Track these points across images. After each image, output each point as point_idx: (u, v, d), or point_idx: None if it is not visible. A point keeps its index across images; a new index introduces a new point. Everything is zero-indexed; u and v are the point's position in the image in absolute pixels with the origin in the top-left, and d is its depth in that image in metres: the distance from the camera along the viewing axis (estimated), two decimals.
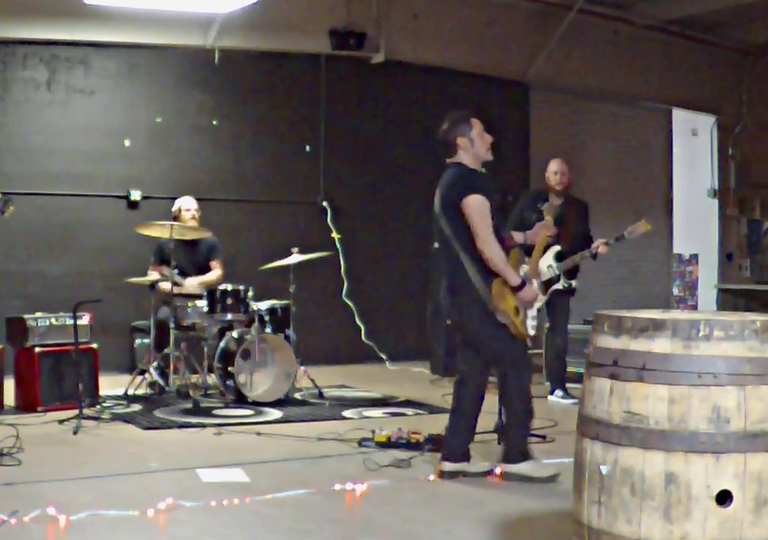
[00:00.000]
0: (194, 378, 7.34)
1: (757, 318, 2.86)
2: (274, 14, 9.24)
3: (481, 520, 4.10)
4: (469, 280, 4.78)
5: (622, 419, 2.86)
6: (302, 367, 7.37)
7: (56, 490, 4.44)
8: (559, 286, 7.17)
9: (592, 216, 7.69)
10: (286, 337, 7.35)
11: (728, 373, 2.75)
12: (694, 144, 12.99)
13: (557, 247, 7.23)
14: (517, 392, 4.88)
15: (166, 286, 7.22)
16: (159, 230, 7.23)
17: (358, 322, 9.93)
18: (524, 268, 4.88)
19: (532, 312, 4.85)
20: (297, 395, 7.41)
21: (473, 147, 4.93)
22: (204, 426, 6.13)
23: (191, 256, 7.69)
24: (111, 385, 7.29)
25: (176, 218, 7.72)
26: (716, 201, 12.96)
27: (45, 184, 8.68)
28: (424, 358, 9.56)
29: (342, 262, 9.81)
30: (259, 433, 5.95)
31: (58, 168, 8.78)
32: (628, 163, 12.31)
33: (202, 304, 7.13)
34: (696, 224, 12.96)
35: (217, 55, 9.31)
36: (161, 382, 7.11)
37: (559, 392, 7.43)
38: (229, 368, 6.97)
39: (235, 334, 7.24)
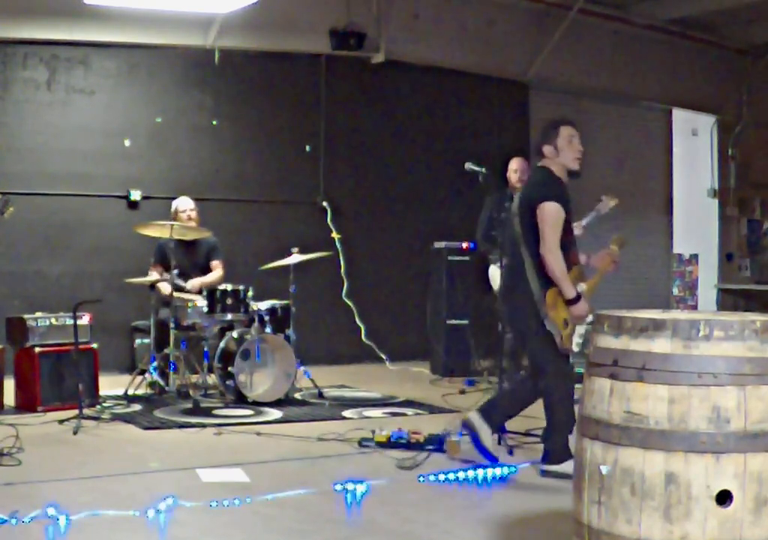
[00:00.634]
0: (194, 378, 7.34)
1: (757, 318, 2.86)
2: (274, 14, 9.25)
3: (481, 520, 4.10)
4: (527, 282, 4.83)
5: (622, 419, 2.86)
6: (302, 368, 7.37)
7: (56, 490, 4.44)
8: None
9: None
10: (286, 337, 7.35)
11: (728, 373, 2.75)
12: (694, 144, 12.99)
13: None
14: (560, 403, 4.87)
15: (166, 288, 7.22)
16: (159, 230, 7.23)
17: (358, 322, 9.92)
18: (581, 286, 4.82)
19: (580, 329, 4.83)
20: (297, 395, 7.41)
21: (558, 156, 4.86)
22: (204, 426, 6.13)
23: (191, 257, 7.69)
24: (111, 385, 7.29)
25: (174, 219, 7.71)
26: (716, 201, 12.95)
27: (45, 184, 8.68)
28: (424, 358, 9.56)
29: (342, 262, 9.81)
30: (259, 433, 5.95)
31: (58, 168, 8.78)
32: (628, 163, 12.30)
33: (202, 304, 7.13)
34: (696, 224, 12.95)
35: (217, 55, 9.31)
36: (161, 382, 7.11)
37: None
38: (229, 368, 6.98)
39: (235, 334, 7.24)
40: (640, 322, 2.87)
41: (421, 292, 9.61)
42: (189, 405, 6.76)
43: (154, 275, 7.49)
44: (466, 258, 8.94)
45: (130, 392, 7.12)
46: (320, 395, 7.42)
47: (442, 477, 4.82)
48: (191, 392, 7.06)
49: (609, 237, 5.33)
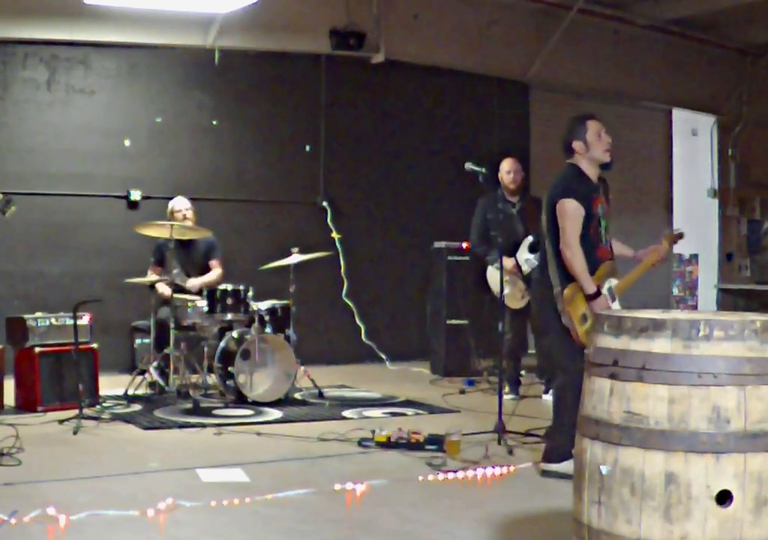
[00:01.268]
0: (194, 378, 7.34)
1: (757, 318, 2.86)
2: (274, 14, 9.25)
3: (481, 520, 4.10)
4: (548, 276, 4.88)
5: (622, 419, 2.86)
6: (302, 367, 7.37)
7: (56, 490, 4.44)
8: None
9: None
10: (286, 337, 7.35)
11: (728, 373, 2.75)
12: (694, 144, 13.00)
13: (530, 238, 7.28)
14: (572, 402, 4.77)
15: (165, 289, 7.22)
16: (159, 230, 7.22)
17: (358, 322, 9.93)
18: (611, 282, 4.80)
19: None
20: (297, 395, 7.41)
21: (589, 151, 4.86)
22: (204, 426, 6.13)
23: (190, 256, 7.69)
24: (111, 385, 7.29)
25: (170, 219, 7.70)
26: (716, 201, 12.96)
27: (45, 184, 8.69)
28: (424, 358, 9.57)
29: (342, 262, 9.82)
30: (259, 433, 5.95)
31: (58, 168, 8.78)
32: (628, 163, 12.29)
33: (202, 304, 7.13)
34: (696, 224, 12.94)
35: (217, 55, 9.32)
36: (161, 382, 7.11)
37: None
38: (229, 368, 6.98)
39: (235, 334, 7.24)
40: (640, 322, 2.87)
41: (421, 292, 9.61)
42: (189, 405, 6.75)
43: (153, 275, 7.49)
44: (466, 258, 8.94)
45: (130, 392, 7.12)
46: (320, 395, 7.42)
47: (442, 477, 4.82)
48: (191, 392, 7.06)
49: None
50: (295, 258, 7.49)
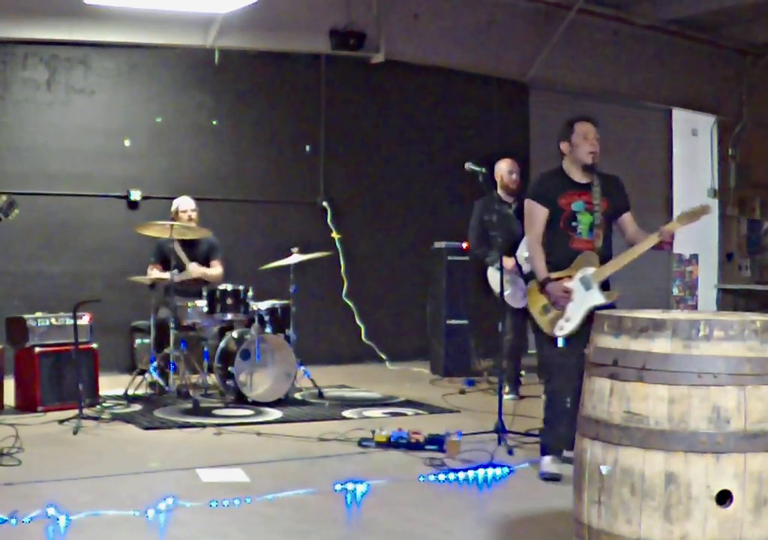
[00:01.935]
0: (194, 378, 7.34)
1: (757, 318, 2.86)
2: (274, 14, 9.25)
3: (481, 520, 4.10)
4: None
5: (622, 419, 2.86)
6: (302, 368, 7.37)
7: (56, 490, 4.44)
8: None
9: None
10: (286, 337, 7.35)
11: (728, 373, 2.75)
12: (694, 144, 12.99)
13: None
14: (549, 397, 4.98)
15: (165, 275, 7.20)
16: (159, 230, 7.22)
17: (358, 322, 9.93)
18: (587, 271, 4.88)
19: (574, 312, 4.85)
20: (297, 395, 7.41)
21: (572, 152, 4.99)
22: (204, 426, 6.13)
23: (191, 256, 7.68)
24: (111, 385, 7.29)
25: (174, 218, 7.71)
26: (716, 201, 12.95)
27: (45, 184, 8.69)
28: (424, 358, 9.56)
29: (342, 262, 9.82)
30: (259, 433, 5.95)
31: (58, 168, 8.78)
32: (628, 163, 12.29)
33: (202, 304, 7.13)
34: (696, 224, 12.91)
35: (217, 55, 9.32)
36: (161, 382, 7.11)
37: None
38: (229, 368, 6.97)
39: (235, 334, 7.24)
40: (640, 322, 2.87)
41: (421, 292, 9.61)
42: (189, 405, 6.75)
43: (153, 273, 7.49)
44: (466, 258, 8.93)
45: (130, 392, 7.12)
46: (320, 395, 7.42)
47: (442, 477, 4.82)
48: (191, 392, 7.06)
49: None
50: (295, 258, 7.48)
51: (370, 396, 7.69)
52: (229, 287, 7.17)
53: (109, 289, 8.58)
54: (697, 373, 2.76)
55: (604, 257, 4.97)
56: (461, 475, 4.84)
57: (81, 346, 6.41)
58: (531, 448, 5.46)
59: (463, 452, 5.30)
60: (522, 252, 7.33)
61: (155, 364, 7.13)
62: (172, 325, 7.01)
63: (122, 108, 9.10)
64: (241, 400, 6.96)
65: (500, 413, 5.62)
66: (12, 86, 8.62)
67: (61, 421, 6.08)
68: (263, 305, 7.36)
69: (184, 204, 7.77)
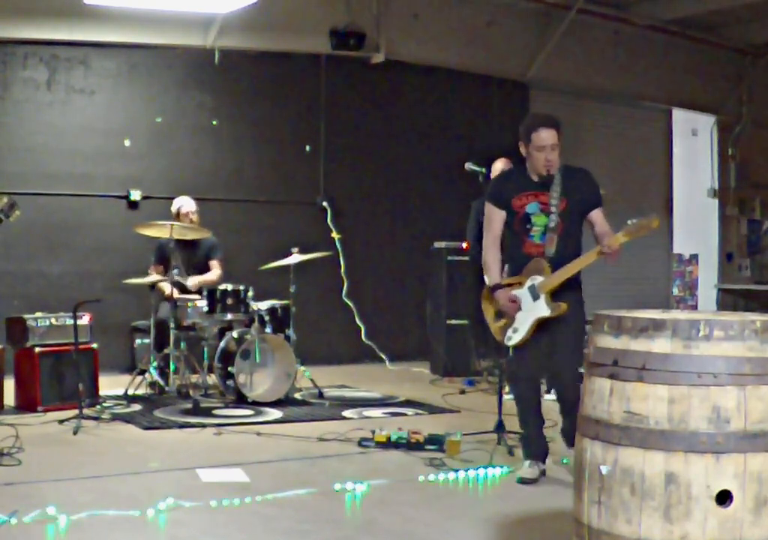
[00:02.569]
0: (194, 378, 7.34)
1: (757, 318, 2.86)
2: (274, 14, 9.25)
3: (481, 520, 4.10)
4: None
5: (622, 419, 2.85)
6: (302, 368, 7.37)
7: (56, 490, 4.44)
8: None
9: None
10: (286, 337, 7.35)
11: (728, 373, 2.75)
12: (694, 144, 13.00)
13: None
14: (515, 403, 5.02)
15: (167, 287, 7.23)
16: (159, 230, 7.22)
17: (358, 322, 9.93)
18: (535, 279, 4.69)
19: (522, 323, 4.72)
20: (297, 395, 7.41)
21: (529, 159, 4.80)
22: (204, 426, 6.13)
23: (191, 256, 7.68)
24: (111, 385, 7.29)
25: (175, 219, 7.71)
26: (716, 201, 12.96)
27: (45, 184, 8.69)
28: (424, 358, 9.56)
29: (342, 262, 9.82)
30: (259, 433, 5.95)
31: (58, 168, 8.78)
32: (628, 163, 12.31)
33: (202, 304, 7.13)
34: (696, 224, 12.96)
35: (217, 55, 9.32)
36: (161, 382, 7.11)
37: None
38: (229, 368, 6.97)
39: (235, 334, 7.24)
40: (640, 322, 2.87)
41: (421, 292, 9.60)
42: (189, 405, 6.75)
43: (154, 275, 7.49)
44: (466, 258, 8.92)
45: (130, 392, 7.12)
46: (320, 395, 7.42)
47: (442, 477, 4.82)
48: (191, 392, 7.06)
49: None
50: (295, 258, 7.48)
51: (370, 396, 7.69)
52: (229, 287, 7.17)
53: (109, 289, 8.57)
54: (697, 373, 2.76)
55: (559, 262, 4.67)
56: (461, 475, 4.85)
57: (81, 346, 6.41)
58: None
59: (463, 452, 5.30)
60: None
61: (155, 364, 7.13)
62: (172, 325, 7.01)
63: (122, 108, 9.11)
64: (241, 400, 6.96)
65: (500, 413, 5.62)
66: (12, 86, 8.62)
67: (61, 421, 6.08)
68: (263, 305, 7.36)
69: (186, 206, 7.77)
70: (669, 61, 11.76)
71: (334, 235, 9.88)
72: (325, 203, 9.93)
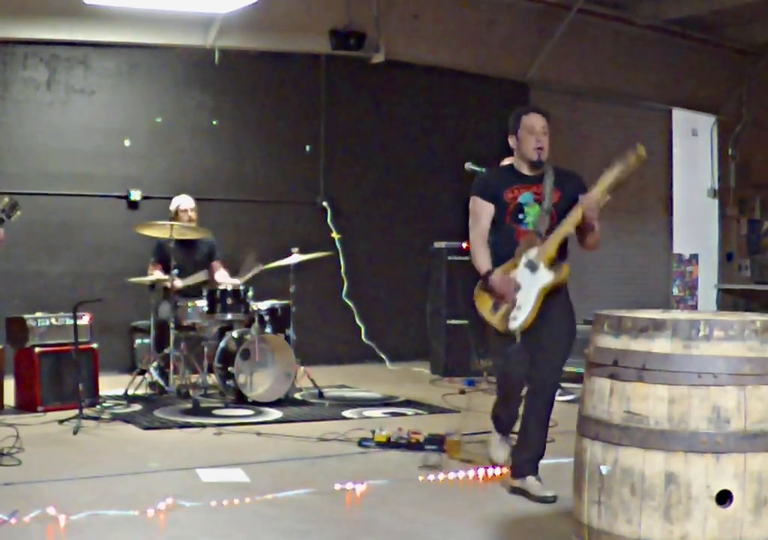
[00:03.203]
0: (194, 378, 7.34)
1: (757, 318, 2.86)
2: (274, 14, 9.25)
3: (481, 520, 4.10)
4: None
5: (622, 419, 2.86)
6: (302, 367, 7.37)
7: (56, 490, 4.44)
8: None
9: None
10: (286, 337, 7.35)
11: (728, 373, 2.75)
12: (694, 144, 13.00)
13: None
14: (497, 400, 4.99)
15: (176, 284, 7.21)
16: (159, 230, 7.23)
17: (358, 322, 9.93)
18: (530, 254, 4.52)
19: (525, 299, 4.53)
20: (297, 395, 7.41)
21: (519, 146, 4.67)
22: (204, 426, 6.13)
23: (191, 256, 7.69)
24: (111, 385, 7.29)
25: (174, 217, 7.71)
26: (716, 201, 12.96)
27: (45, 184, 8.68)
28: (424, 358, 9.56)
29: (342, 262, 9.82)
30: (259, 433, 5.95)
31: (58, 168, 8.78)
32: None
33: (202, 304, 7.13)
34: (696, 224, 12.96)
35: (217, 55, 9.31)
36: (161, 382, 7.11)
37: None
38: (229, 368, 6.97)
39: (235, 334, 7.24)
40: (640, 322, 2.87)
41: (421, 292, 9.60)
42: (189, 405, 6.76)
43: (153, 274, 7.49)
44: (466, 258, 8.89)
45: (130, 392, 7.12)
46: (320, 395, 7.42)
47: (442, 477, 4.82)
48: (191, 392, 7.06)
49: None
50: (295, 258, 7.48)
51: (370, 396, 7.69)
52: (229, 287, 7.17)
53: (109, 289, 8.58)
54: (697, 373, 2.76)
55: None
56: (461, 475, 4.85)
57: (81, 346, 6.41)
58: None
59: (463, 452, 5.30)
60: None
61: (155, 364, 7.13)
62: (172, 325, 7.01)
63: (122, 108, 9.10)
64: (241, 400, 6.96)
65: None
66: (12, 86, 8.62)
67: (61, 421, 6.08)
68: (263, 305, 7.37)
69: (185, 203, 7.78)
70: (669, 61, 11.76)
71: (334, 235, 9.88)
72: (325, 203, 9.93)
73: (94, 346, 6.85)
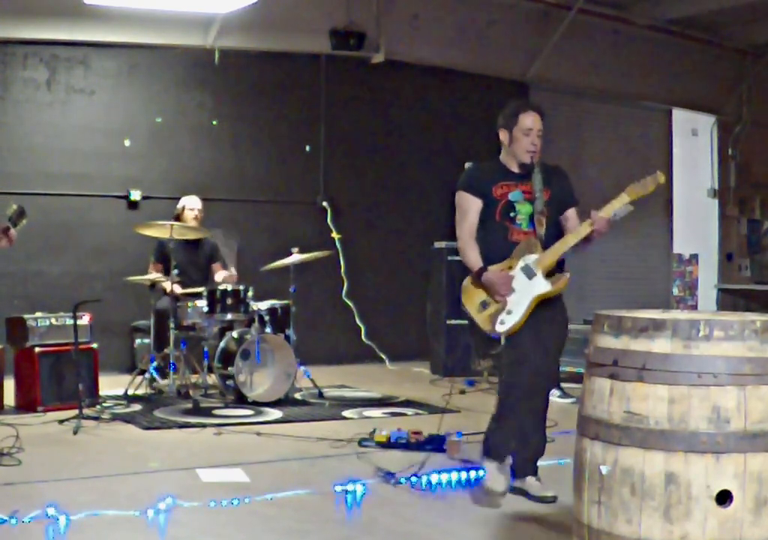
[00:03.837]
0: (194, 378, 7.34)
1: (757, 318, 2.86)
2: (274, 14, 9.25)
3: (481, 520, 4.10)
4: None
5: (622, 419, 2.85)
6: (302, 368, 7.37)
7: (56, 490, 4.44)
8: None
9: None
10: (286, 337, 7.35)
11: (728, 373, 2.75)
12: (694, 144, 13.00)
13: None
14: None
15: (166, 285, 7.22)
16: (159, 230, 7.22)
17: (358, 322, 9.93)
18: (529, 259, 4.44)
19: (517, 304, 4.43)
20: (297, 395, 7.41)
21: (511, 145, 4.63)
22: (204, 426, 6.13)
23: (192, 256, 7.69)
24: (111, 385, 7.29)
25: (178, 217, 7.71)
26: (716, 201, 12.96)
27: (45, 184, 8.69)
28: (424, 358, 9.56)
29: (342, 262, 9.82)
30: (259, 433, 5.95)
31: (58, 168, 8.78)
32: (628, 163, 12.30)
33: (202, 304, 7.13)
34: (696, 224, 12.96)
35: (217, 55, 9.31)
36: (161, 382, 7.11)
37: (556, 392, 7.44)
38: (229, 368, 6.97)
39: (235, 334, 7.24)
40: (640, 322, 2.87)
41: (421, 292, 9.60)
42: (189, 405, 6.76)
43: (154, 274, 7.49)
44: None
45: (130, 392, 7.12)
46: (320, 395, 7.42)
47: (445, 477, 4.81)
48: (191, 392, 7.06)
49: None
50: (295, 258, 7.48)
51: (370, 396, 7.69)
52: (229, 287, 7.17)
53: (109, 289, 8.58)
54: (697, 373, 2.76)
55: (549, 244, 4.45)
56: (461, 475, 4.84)
57: (81, 346, 6.41)
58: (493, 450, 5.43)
59: (463, 452, 5.30)
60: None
61: (155, 364, 7.13)
62: (172, 325, 7.01)
63: (122, 108, 9.11)
64: (241, 400, 6.96)
65: None
66: (12, 86, 8.62)
67: (61, 421, 6.08)
68: (263, 305, 7.36)
69: (192, 203, 7.77)
70: (669, 61, 11.76)
71: (334, 235, 9.88)
72: (325, 203, 9.93)
73: (94, 346, 6.85)
